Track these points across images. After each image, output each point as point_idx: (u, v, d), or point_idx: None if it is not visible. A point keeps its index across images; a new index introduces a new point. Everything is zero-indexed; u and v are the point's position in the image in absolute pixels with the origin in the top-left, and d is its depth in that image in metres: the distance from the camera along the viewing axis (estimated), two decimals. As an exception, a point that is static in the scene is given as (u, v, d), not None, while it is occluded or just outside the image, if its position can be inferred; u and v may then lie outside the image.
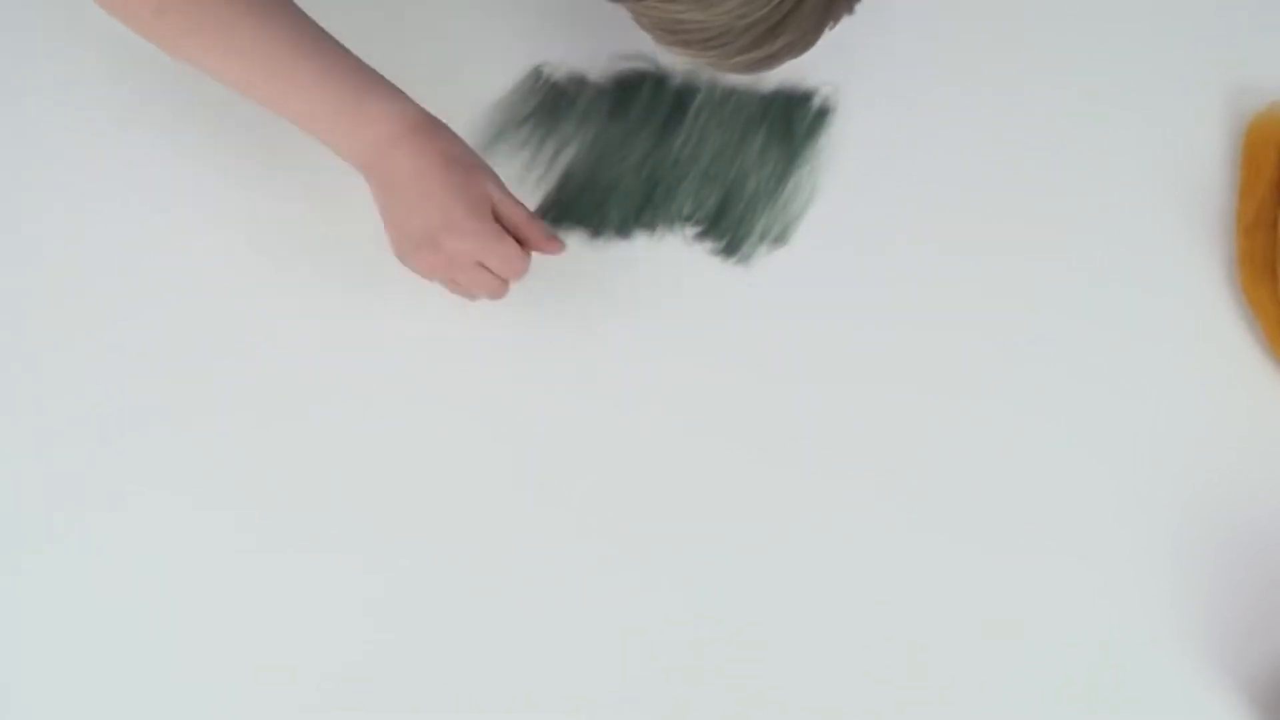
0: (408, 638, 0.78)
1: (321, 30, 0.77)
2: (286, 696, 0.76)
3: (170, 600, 0.78)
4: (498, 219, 0.77)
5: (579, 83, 0.91)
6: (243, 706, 0.76)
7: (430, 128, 0.77)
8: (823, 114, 0.91)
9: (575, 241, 0.87)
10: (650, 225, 0.87)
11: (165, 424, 0.82)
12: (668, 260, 0.87)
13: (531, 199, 0.87)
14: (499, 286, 0.78)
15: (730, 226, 0.87)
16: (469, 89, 0.90)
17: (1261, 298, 0.85)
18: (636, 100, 0.91)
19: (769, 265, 0.87)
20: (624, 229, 0.87)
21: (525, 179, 0.88)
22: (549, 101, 0.90)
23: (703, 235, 0.87)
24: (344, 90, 0.76)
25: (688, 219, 0.88)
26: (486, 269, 0.77)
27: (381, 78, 0.78)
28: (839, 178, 0.89)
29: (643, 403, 0.83)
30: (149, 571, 0.79)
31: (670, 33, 0.71)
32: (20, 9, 0.93)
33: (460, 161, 0.77)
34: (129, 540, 0.79)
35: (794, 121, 0.90)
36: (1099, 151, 0.90)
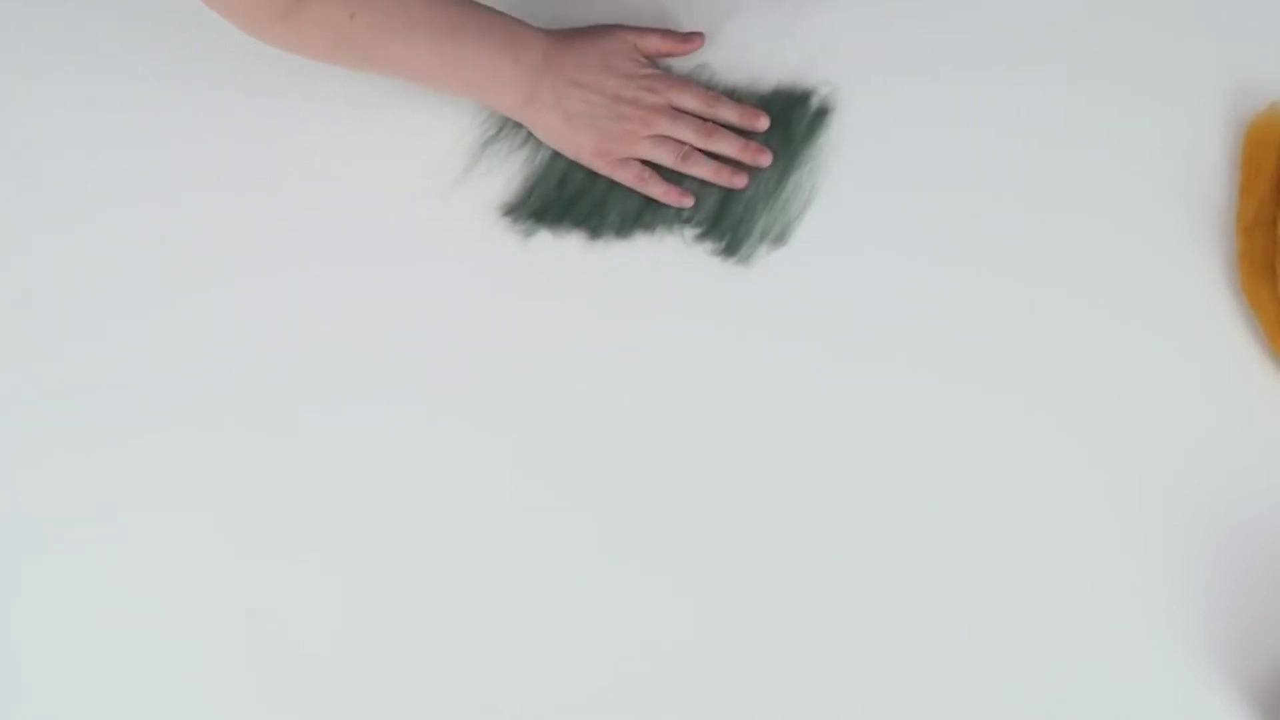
0: (408, 638, 0.78)
1: None
2: (286, 697, 0.76)
3: (170, 602, 0.78)
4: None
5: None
6: (242, 706, 0.76)
7: (557, 32, 0.85)
8: (822, 114, 0.91)
9: (574, 243, 0.87)
10: (650, 226, 0.87)
11: (165, 426, 0.82)
12: (667, 261, 0.87)
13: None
14: (710, 129, 0.85)
15: (730, 227, 0.87)
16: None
17: (1261, 297, 0.85)
18: (637, 100, 0.91)
19: (769, 266, 0.87)
20: (623, 230, 0.87)
21: (526, 179, 0.88)
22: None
23: (702, 236, 0.87)
24: (507, 38, 0.83)
25: (687, 220, 0.88)
26: (685, 118, 0.85)
27: (503, 15, 0.84)
28: (839, 178, 0.89)
29: (643, 403, 0.83)
30: (146, 576, 0.79)
31: None
32: (20, 7, 0.93)
33: (596, 32, 0.86)
34: (125, 544, 0.79)
35: (794, 121, 0.90)
36: (1098, 151, 0.90)
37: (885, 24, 0.93)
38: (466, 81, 0.84)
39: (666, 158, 0.86)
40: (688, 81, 0.87)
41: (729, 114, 0.87)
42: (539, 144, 0.89)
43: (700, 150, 0.86)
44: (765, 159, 0.86)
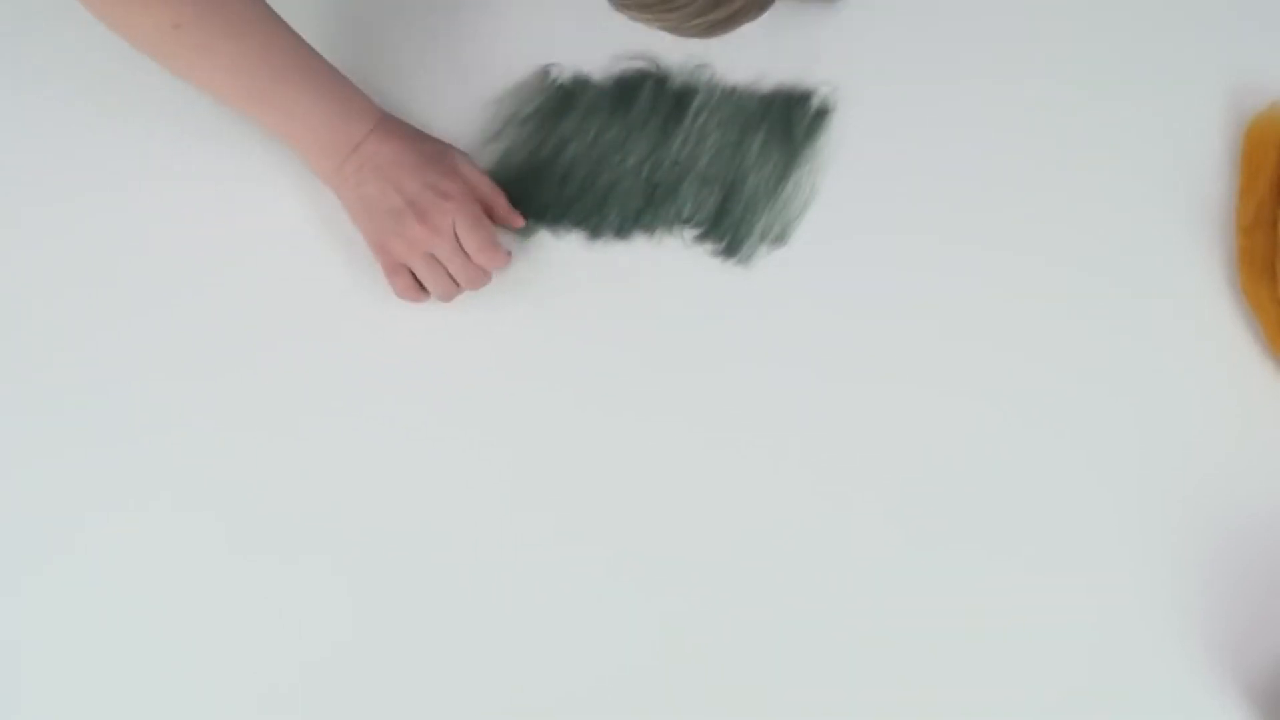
0: (407, 639, 0.78)
1: (303, 43, 0.82)
2: (285, 697, 0.76)
3: (169, 602, 0.78)
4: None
5: (581, 83, 0.91)
6: (242, 706, 0.76)
7: (394, 119, 0.84)
8: (822, 114, 0.91)
9: (574, 243, 0.87)
10: (649, 227, 0.87)
11: (164, 426, 0.82)
12: (667, 261, 0.87)
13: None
14: (478, 274, 0.82)
15: (730, 227, 0.87)
16: (470, 87, 0.90)
17: (1261, 298, 0.85)
18: (637, 100, 0.90)
19: (769, 266, 0.87)
20: (623, 230, 0.87)
21: (524, 177, 0.88)
22: (553, 102, 0.90)
23: (702, 236, 0.87)
24: (336, 90, 0.82)
25: (687, 220, 0.88)
26: (465, 255, 0.82)
27: (349, 84, 0.83)
28: (839, 178, 0.89)
29: (643, 404, 0.83)
30: (147, 574, 0.79)
31: None
32: (20, 5, 0.93)
33: (428, 138, 0.85)
34: (126, 542, 0.79)
35: (793, 121, 0.90)
36: (1099, 151, 0.90)
37: (885, 24, 0.93)
38: (282, 132, 0.82)
39: (433, 287, 0.83)
40: (476, 219, 0.82)
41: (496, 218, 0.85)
42: (540, 144, 0.89)
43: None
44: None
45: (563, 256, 0.87)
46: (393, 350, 0.84)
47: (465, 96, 0.90)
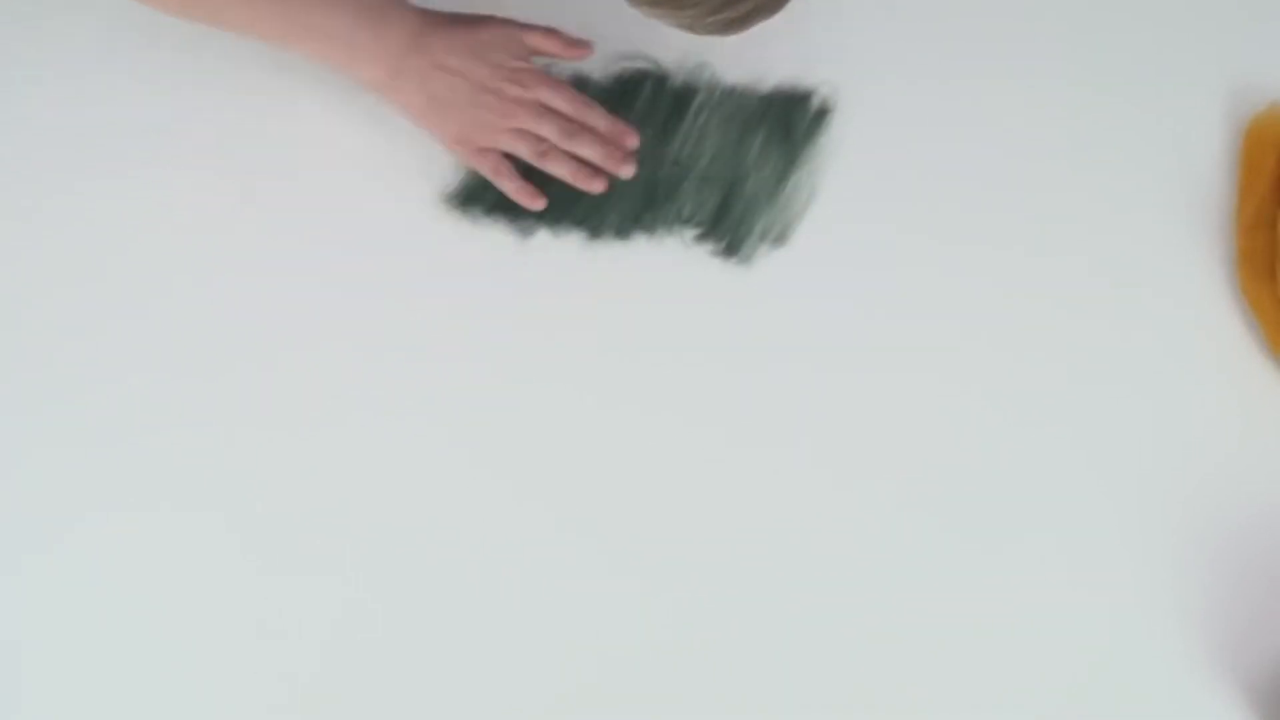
0: (414, 634, 0.78)
1: None
2: (285, 697, 0.76)
3: (171, 602, 0.78)
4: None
5: (581, 83, 0.91)
6: (243, 707, 0.76)
7: (431, 15, 0.82)
8: (822, 114, 0.91)
9: (573, 244, 0.87)
10: (649, 227, 0.87)
11: (166, 424, 0.82)
12: (667, 261, 0.87)
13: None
14: (579, 130, 0.83)
15: (730, 227, 0.87)
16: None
17: (1261, 298, 0.85)
18: (637, 100, 0.90)
19: (769, 266, 0.87)
20: (623, 231, 0.87)
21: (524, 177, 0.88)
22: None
23: (702, 236, 0.87)
24: (371, 12, 0.80)
25: (687, 220, 0.88)
26: (554, 115, 0.82)
27: None
28: (839, 178, 0.89)
29: (643, 404, 0.83)
30: (146, 574, 0.79)
31: None
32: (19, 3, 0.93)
33: (472, 21, 0.82)
34: (125, 542, 0.79)
35: (793, 122, 0.90)
36: (1098, 151, 0.90)
37: (885, 24, 0.93)
38: (319, 52, 0.80)
39: (524, 151, 0.83)
40: (560, 82, 0.83)
41: (598, 121, 0.84)
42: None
43: (563, 151, 0.83)
44: (628, 170, 0.84)
45: (563, 256, 0.87)
46: (393, 350, 0.84)
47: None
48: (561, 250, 0.87)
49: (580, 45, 0.85)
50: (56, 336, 0.84)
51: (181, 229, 0.87)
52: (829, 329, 0.85)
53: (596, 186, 0.84)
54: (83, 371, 0.83)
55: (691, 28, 0.70)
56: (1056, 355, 0.85)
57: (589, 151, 0.84)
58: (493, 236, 0.87)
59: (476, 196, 0.87)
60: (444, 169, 0.89)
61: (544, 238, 0.87)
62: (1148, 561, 0.80)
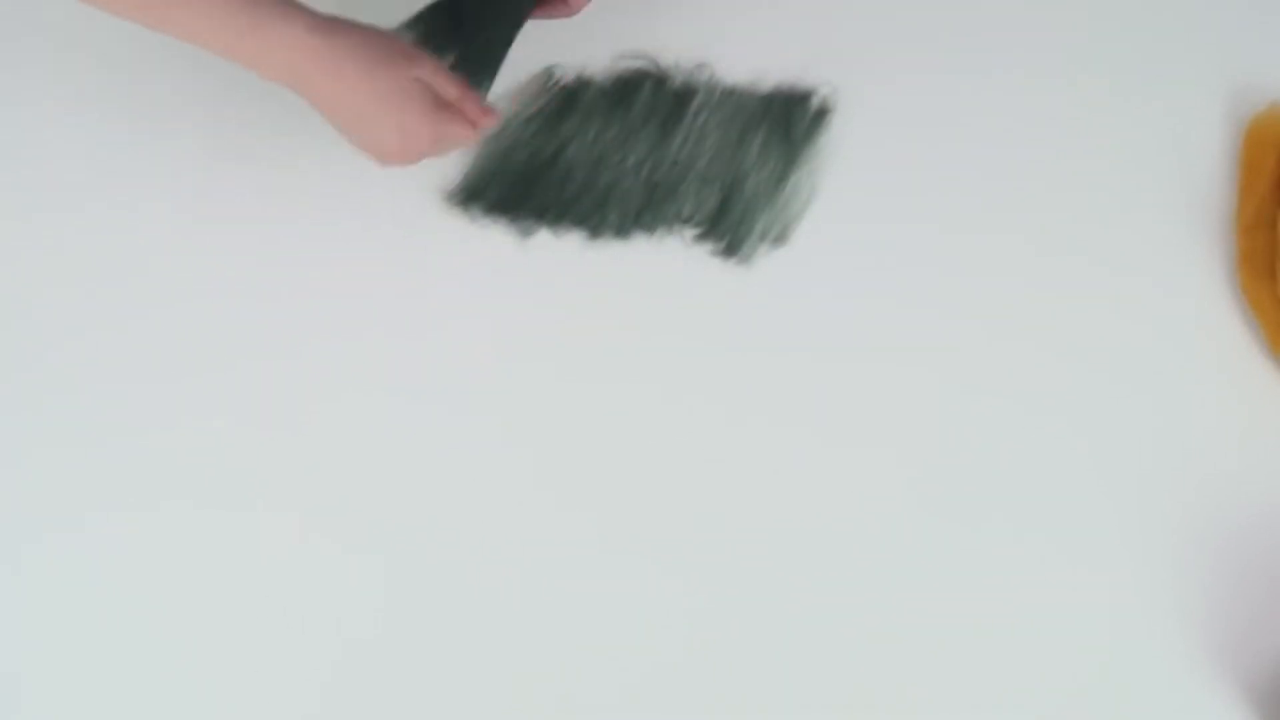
0: (414, 634, 0.78)
1: None
2: (290, 689, 0.76)
3: (171, 600, 0.78)
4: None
5: (583, 84, 0.91)
6: (246, 700, 0.76)
7: (335, 39, 0.75)
8: (822, 114, 0.91)
9: (574, 243, 0.87)
10: (650, 227, 0.87)
11: (165, 422, 0.82)
12: (667, 261, 0.87)
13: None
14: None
15: (730, 227, 0.87)
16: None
17: (1261, 298, 0.85)
18: (637, 100, 0.91)
19: (769, 265, 0.87)
20: (623, 230, 0.87)
21: (525, 177, 0.88)
22: (556, 102, 0.90)
23: (703, 236, 0.87)
24: (238, 18, 0.73)
25: (687, 220, 0.88)
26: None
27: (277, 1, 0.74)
28: (839, 178, 0.89)
29: (643, 403, 0.83)
30: (152, 570, 0.79)
31: None
32: (16, 6, 0.93)
33: (378, 62, 0.76)
34: (131, 539, 0.79)
35: (793, 121, 0.90)
36: (1099, 151, 0.90)
37: (885, 24, 0.93)
38: (215, 52, 0.74)
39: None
40: (453, 124, 0.79)
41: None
42: (540, 144, 0.89)
43: None
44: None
45: (563, 256, 0.87)
46: (394, 349, 0.84)
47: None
48: (561, 250, 0.87)
49: (489, 116, 0.81)
50: (56, 336, 0.84)
51: (182, 228, 0.87)
52: (829, 328, 0.85)
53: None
54: (82, 371, 0.83)
55: None
56: (1056, 355, 0.85)
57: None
58: (493, 236, 0.87)
59: (477, 194, 0.88)
60: (445, 168, 0.89)
61: (544, 237, 0.87)
62: (1148, 561, 0.80)
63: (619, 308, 0.86)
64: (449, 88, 0.78)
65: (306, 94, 0.76)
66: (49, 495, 0.80)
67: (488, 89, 0.84)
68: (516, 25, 0.85)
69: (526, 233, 0.87)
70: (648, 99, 0.91)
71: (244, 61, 0.75)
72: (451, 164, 0.88)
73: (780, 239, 0.88)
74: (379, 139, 0.77)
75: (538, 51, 0.92)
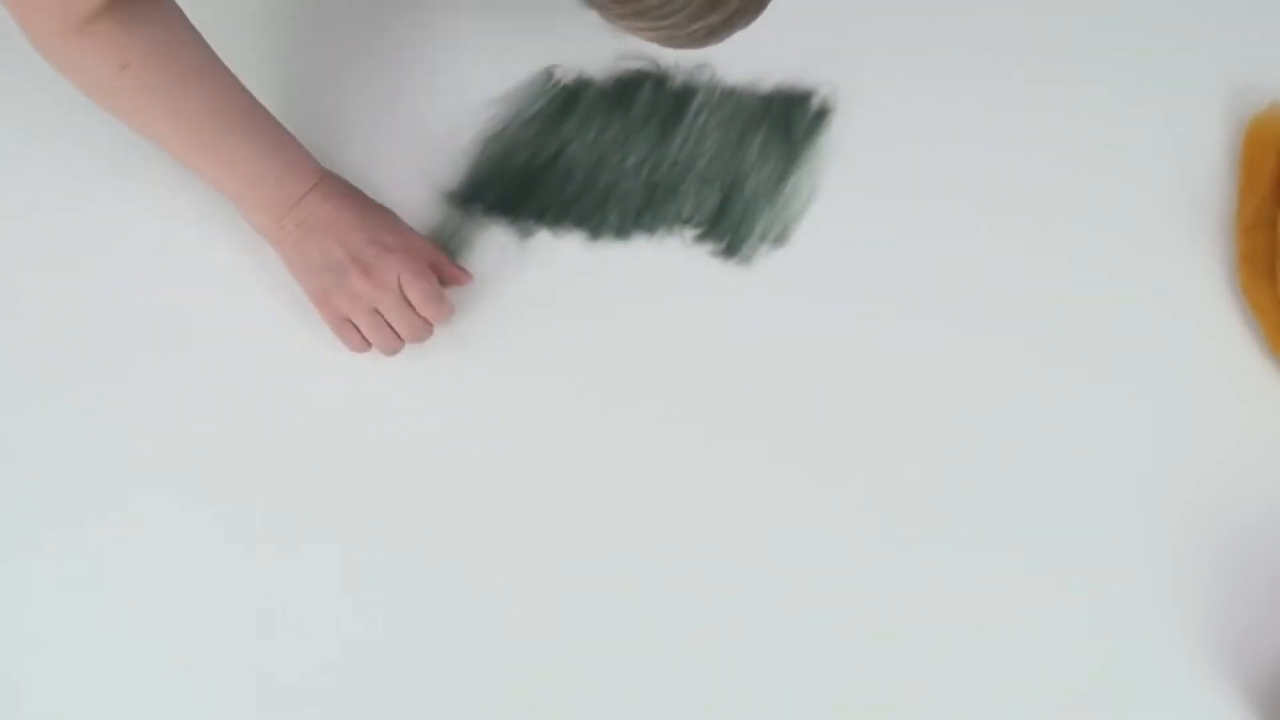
0: (413, 634, 0.78)
1: (250, 96, 0.81)
2: (290, 689, 0.77)
3: (171, 599, 0.78)
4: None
5: (582, 84, 0.91)
6: (246, 700, 0.76)
7: (336, 178, 0.83)
8: (822, 114, 0.91)
9: (574, 243, 0.87)
10: (650, 227, 0.87)
11: (164, 423, 0.82)
12: (667, 261, 0.87)
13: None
14: (421, 327, 0.81)
15: (730, 227, 0.87)
16: (473, 87, 0.90)
17: (1261, 298, 0.85)
18: (637, 100, 0.91)
19: (769, 266, 0.87)
20: (623, 231, 0.87)
21: (525, 177, 0.88)
22: (556, 103, 0.90)
23: (703, 236, 0.87)
24: (276, 159, 0.81)
25: (687, 220, 0.88)
26: (408, 307, 0.80)
27: (292, 140, 0.82)
28: (839, 178, 0.89)
29: (643, 404, 0.83)
30: (148, 571, 0.79)
31: (621, 3, 0.67)
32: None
33: (369, 200, 0.83)
34: (124, 540, 0.79)
35: (793, 122, 0.90)
36: (1099, 151, 0.90)
37: (885, 24, 0.93)
38: (222, 185, 0.81)
39: (376, 341, 0.81)
40: (421, 270, 0.81)
41: (434, 313, 0.82)
42: (541, 144, 0.89)
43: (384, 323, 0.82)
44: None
45: (563, 256, 0.87)
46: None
47: (467, 96, 0.90)
48: (561, 250, 0.87)
49: (462, 275, 0.84)
50: (55, 336, 0.84)
51: (182, 227, 0.87)
52: (829, 329, 0.85)
53: (388, 353, 0.83)
54: (83, 371, 0.83)
55: (670, 40, 0.69)
56: (1056, 355, 0.85)
57: (402, 329, 0.81)
58: (493, 236, 0.87)
59: (477, 194, 0.88)
60: (445, 168, 0.89)
61: (544, 238, 0.87)
62: (1148, 561, 0.80)
63: (619, 308, 0.86)
64: (422, 243, 0.83)
65: (301, 219, 0.81)
66: (48, 495, 0.80)
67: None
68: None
69: (526, 233, 0.87)
70: (648, 99, 0.91)
71: (269, 187, 0.81)
72: (452, 164, 0.88)
73: (780, 239, 0.88)
74: (356, 255, 0.80)
75: (538, 51, 0.92)
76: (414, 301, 0.80)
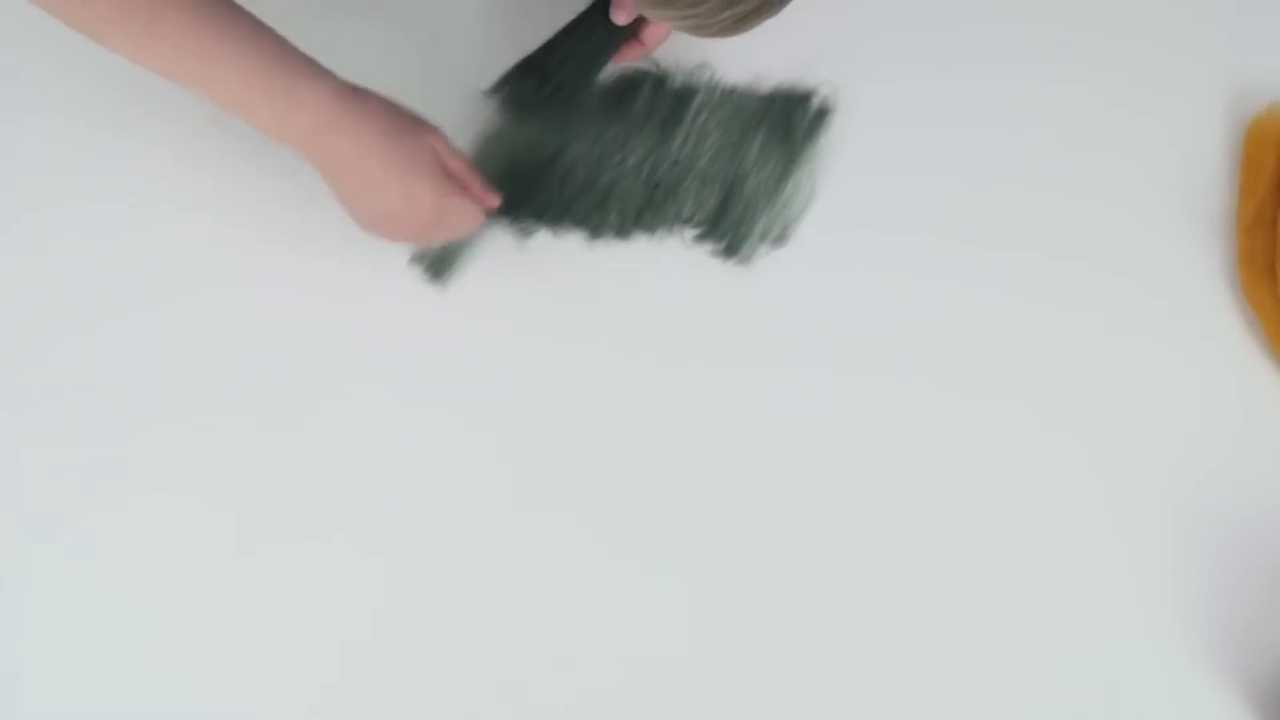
0: (413, 635, 0.78)
1: (246, 14, 0.75)
2: (289, 689, 0.77)
3: (171, 599, 0.78)
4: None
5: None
6: (245, 700, 0.76)
7: (359, 104, 0.76)
8: (822, 114, 0.91)
9: (574, 243, 0.87)
10: (650, 227, 0.87)
11: (164, 423, 0.82)
12: (667, 261, 0.87)
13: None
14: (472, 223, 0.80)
15: (730, 227, 0.87)
16: (473, 87, 0.90)
17: (1261, 298, 0.85)
18: (637, 100, 0.91)
19: (769, 266, 0.87)
20: (623, 230, 0.87)
21: (525, 177, 0.88)
22: (557, 102, 0.90)
23: (703, 236, 0.87)
24: (270, 76, 0.75)
25: (687, 220, 0.88)
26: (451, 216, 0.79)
27: (307, 59, 0.76)
28: (839, 178, 0.89)
29: (643, 404, 0.83)
30: (150, 570, 0.79)
31: None
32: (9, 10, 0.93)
33: (395, 130, 0.77)
34: (128, 538, 0.79)
35: (794, 122, 0.90)
36: (1099, 152, 0.90)
37: (885, 24, 0.93)
38: (232, 105, 0.74)
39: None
40: (458, 198, 0.79)
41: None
42: (542, 144, 0.89)
43: None
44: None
45: (563, 256, 0.87)
46: (393, 349, 0.84)
47: (468, 96, 0.90)
48: (561, 250, 0.87)
49: (490, 198, 0.82)
50: (53, 336, 0.84)
51: (182, 226, 0.87)
52: (829, 329, 0.85)
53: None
54: (82, 371, 0.83)
55: (700, 29, 0.69)
56: (1056, 355, 0.85)
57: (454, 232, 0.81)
58: (493, 236, 0.87)
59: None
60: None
61: (544, 238, 0.87)
62: (1149, 561, 0.80)
63: (619, 308, 0.86)
64: (455, 162, 0.79)
65: (319, 154, 0.76)
66: (48, 495, 0.80)
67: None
68: (597, 75, 0.87)
69: (526, 232, 0.87)
70: (648, 99, 0.91)
71: (265, 120, 0.75)
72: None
73: (780, 239, 0.88)
74: (384, 203, 0.77)
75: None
76: (451, 223, 0.79)
